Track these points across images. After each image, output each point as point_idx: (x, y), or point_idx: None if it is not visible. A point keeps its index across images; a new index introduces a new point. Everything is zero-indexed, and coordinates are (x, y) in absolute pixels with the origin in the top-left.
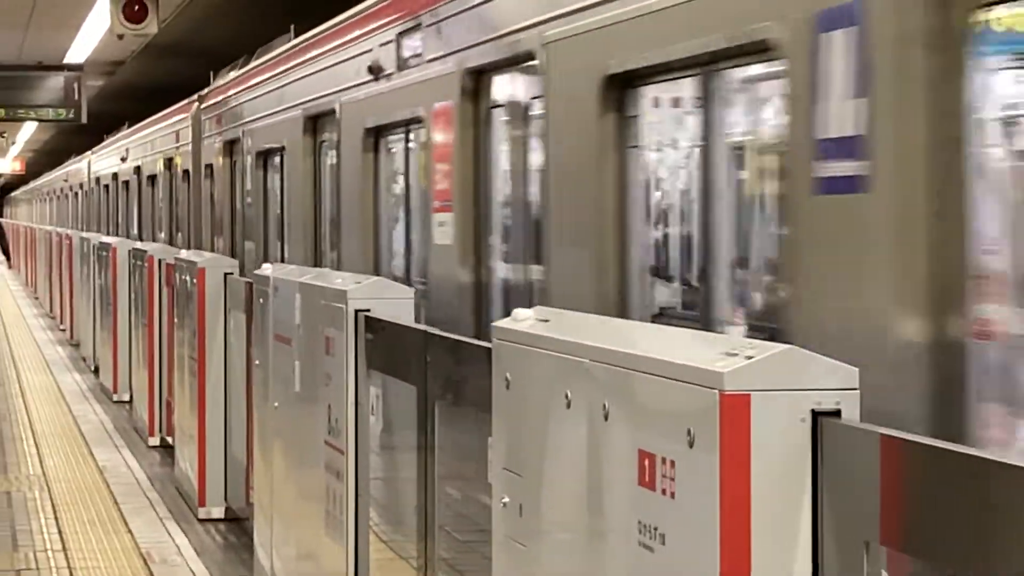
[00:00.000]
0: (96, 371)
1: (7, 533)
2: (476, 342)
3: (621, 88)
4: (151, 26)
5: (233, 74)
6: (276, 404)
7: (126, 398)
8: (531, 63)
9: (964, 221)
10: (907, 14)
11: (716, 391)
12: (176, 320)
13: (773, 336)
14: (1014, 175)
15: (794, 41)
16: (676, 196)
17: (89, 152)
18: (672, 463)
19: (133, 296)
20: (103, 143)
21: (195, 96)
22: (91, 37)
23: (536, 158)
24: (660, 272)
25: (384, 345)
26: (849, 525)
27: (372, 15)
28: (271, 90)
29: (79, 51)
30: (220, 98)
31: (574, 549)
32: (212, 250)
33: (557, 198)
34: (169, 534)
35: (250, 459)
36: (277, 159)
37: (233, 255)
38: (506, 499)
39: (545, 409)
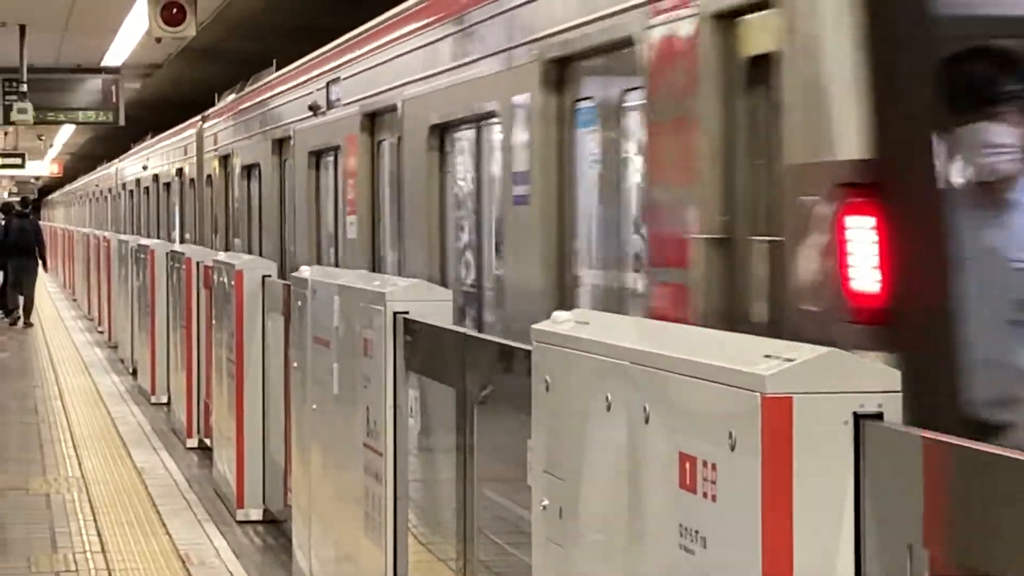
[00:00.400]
0: (134, 373)
1: (46, 535)
2: (516, 344)
3: (440, 133)
4: (189, 29)
5: (228, 100)
6: (314, 406)
7: (164, 400)
8: (396, 112)
9: (575, 225)
10: (547, 102)
11: (758, 394)
12: (214, 322)
13: (481, 288)
14: (603, 196)
15: (503, 113)
16: (463, 205)
17: (117, 159)
18: (713, 466)
19: (171, 298)
20: (129, 151)
21: (199, 116)
22: (129, 40)
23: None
24: (456, 253)
25: (422, 347)
26: (892, 528)
27: (311, 67)
28: (250, 117)
29: (117, 54)
30: (217, 120)
31: (614, 552)
32: (210, 246)
33: (408, 205)
34: (207, 536)
35: (288, 461)
36: (256, 173)
37: (227, 249)
38: (546, 502)
39: (585, 412)
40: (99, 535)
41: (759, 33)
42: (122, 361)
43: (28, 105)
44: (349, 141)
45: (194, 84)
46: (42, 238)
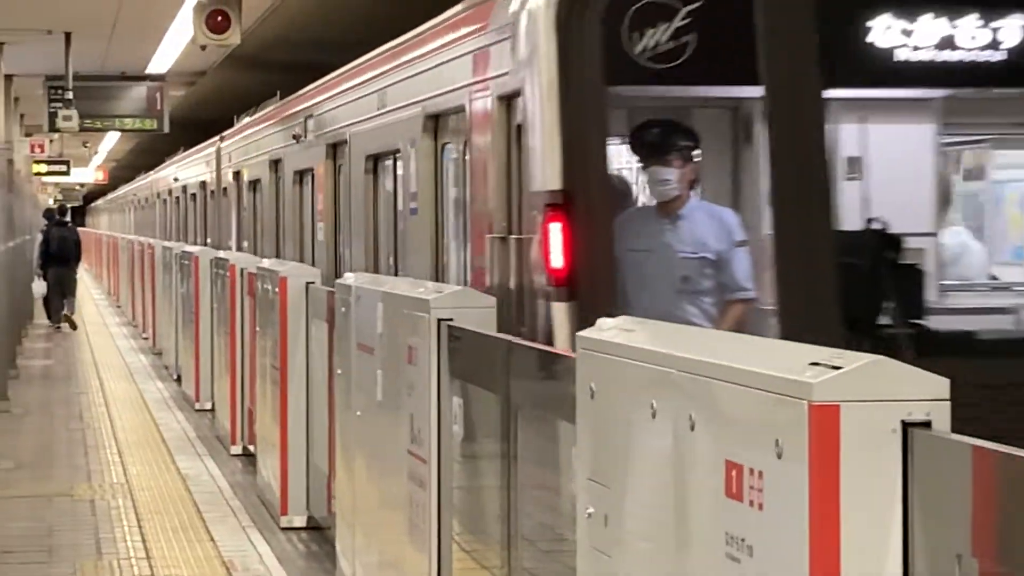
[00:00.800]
0: (178, 379)
1: (91, 541)
2: (560, 351)
3: (373, 161)
4: (233, 37)
5: (242, 123)
6: (358, 413)
7: (208, 407)
8: (347, 144)
9: (443, 228)
10: (426, 144)
11: (805, 402)
12: (258, 329)
13: (396, 266)
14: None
15: (404, 149)
16: (385, 213)
17: (152, 171)
18: (760, 474)
19: (215, 305)
20: (161, 164)
21: (218, 136)
22: (173, 48)
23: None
24: (382, 245)
25: (466, 354)
26: (940, 538)
27: (294, 103)
28: (253, 141)
29: (161, 62)
30: (231, 140)
31: (660, 560)
32: (222, 248)
33: (354, 215)
34: (251, 543)
35: (332, 468)
36: (259, 187)
37: (239, 250)
38: (591, 510)
39: (630, 419)
40: (144, 541)
41: (517, 110)
42: (166, 367)
43: (73, 112)
44: (319, 165)
45: (237, 92)
46: (80, 245)
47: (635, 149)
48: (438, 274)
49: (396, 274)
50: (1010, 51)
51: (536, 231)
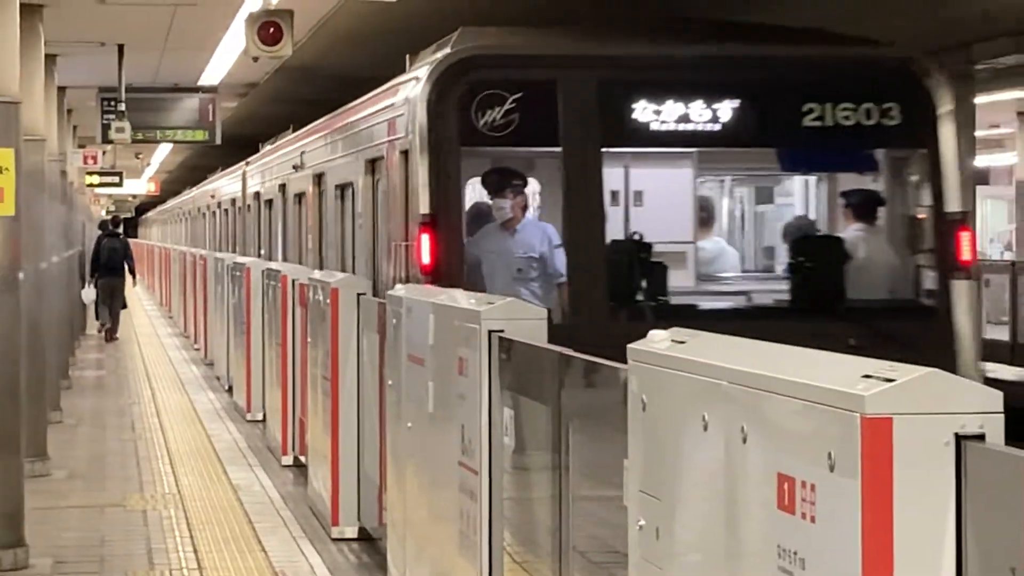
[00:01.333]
0: (230, 390)
1: (143, 551)
2: (611, 363)
3: (341, 190)
4: (286, 48)
5: (264, 150)
6: (409, 424)
7: (259, 417)
8: (324, 176)
9: (377, 238)
10: (367, 180)
11: (857, 414)
12: (309, 340)
13: (353, 265)
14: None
15: (355, 182)
16: (347, 227)
17: (196, 186)
18: (812, 487)
19: (266, 316)
20: (202, 181)
21: (244, 161)
22: (226, 59)
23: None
24: (347, 250)
25: (517, 365)
26: (994, 551)
27: (296, 140)
28: (267, 168)
29: (214, 73)
30: (252, 166)
31: (712, 572)
32: (244, 255)
33: (330, 227)
34: (303, 553)
35: (383, 479)
36: (271, 205)
37: (259, 256)
38: (642, 522)
39: (682, 431)
40: (195, 552)
41: (408, 161)
42: (218, 378)
43: (126, 124)
44: (309, 190)
45: (288, 103)
46: (131, 255)
47: (485, 187)
48: (374, 267)
49: (353, 269)
50: (725, 125)
51: (414, 239)
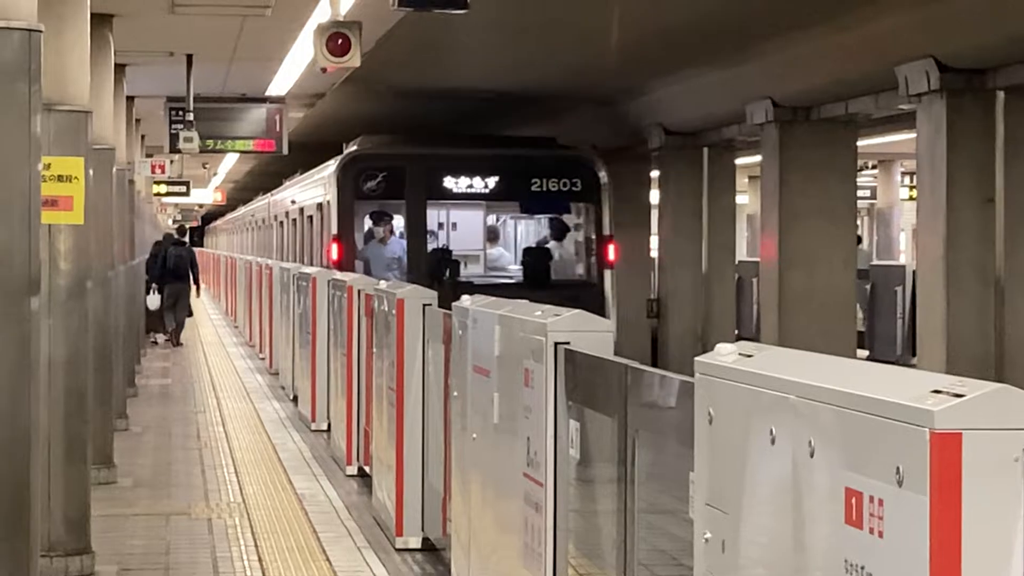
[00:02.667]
0: (295, 400)
1: (208, 559)
2: (678, 376)
3: (309, 219)
4: (354, 59)
5: (282, 186)
6: (474, 435)
7: (324, 427)
8: (302, 208)
9: (320, 246)
10: (318, 215)
11: (926, 429)
12: (374, 350)
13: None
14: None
15: (315, 216)
16: (307, 240)
17: (245, 205)
18: (880, 501)
19: (331, 325)
20: (256, 198)
21: (269, 192)
22: (293, 70)
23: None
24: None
25: (583, 377)
26: None
27: (294, 184)
28: (280, 199)
29: (281, 83)
30: (274, 196)
31: None
32: (267, 259)
33: (304, 241)
34: (367, 563)
35: (447, 489)
36: (284, 225)
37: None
38: (708, 535)
39: (749, 444)
40: (260, 560)
41: (329, 207)
42: (283, 388)
43: (194, 134)
44: (295, 216)
45: (355, 113)
46: (196, 263)
47: (371, 221)
48: (312, 258)
49: (304, 260)
50: (494, 189)
51: (331, 245)
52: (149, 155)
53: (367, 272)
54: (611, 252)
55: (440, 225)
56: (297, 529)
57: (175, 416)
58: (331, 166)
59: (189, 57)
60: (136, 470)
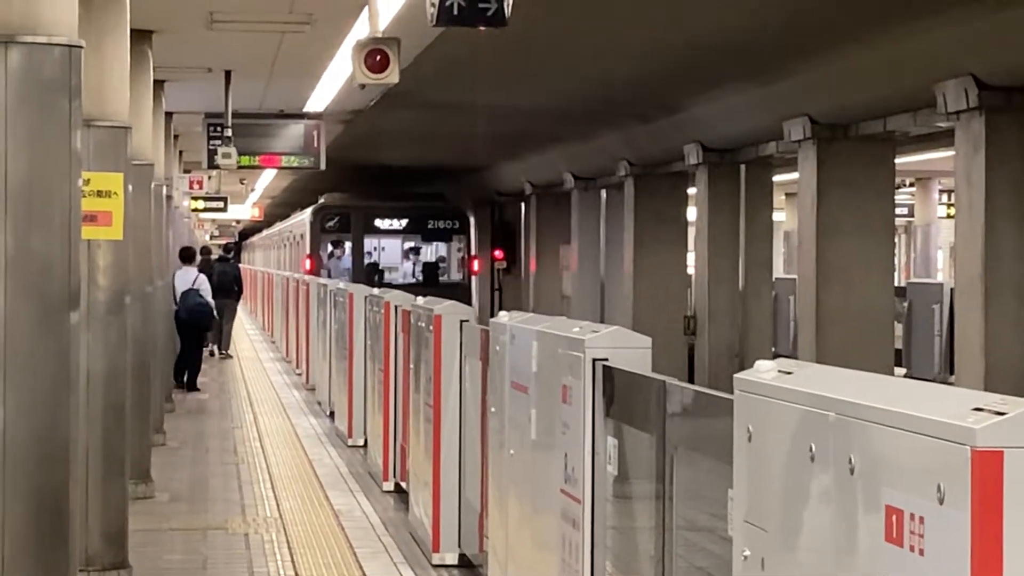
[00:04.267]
0: (331, 415)
1: (245, 574)
2: (717, 393)
3: (292, 245)
4: (392, 76)
5: (282, 223)
6: (511, 451)
7: (361, 443)
8: (292, 236)
9: (297, 258)
10: (302, 243)
11: (968, 447)
12: (411, 366)
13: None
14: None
15: (299, 242)
16: (291, 259)
17: (283, 221)
18: (921, 519)
19: (368, 341)
20: (293, 215)
21: (274, 227)
22: (331, 86)
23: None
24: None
25: (621, 394)
26: None
27: (292, 217)
28: (284, 228)
29: (319, 99)
30: (276, 228)
31: None
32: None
33: (288, 259)
34: None
35: (484, 505)
36: (282, 250)
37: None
38: (747, 552)
39: (788, 462)
40: None
41: (306, 236)
42: (319, 403)
43: (232, 150)
44: (287, 243)
45: (393, 130)
46: (240, 278)
47: (332, 246)
48: (292, 268)
49: (296, 269)
50: (408, 226)
51: (302, 260)
52: (187, 171)
53: (329, 276)
54: (475, 265)
55: (374, 248)
56: (334, 544)
57: (212, 431)
58: (308, 212)
59: (228, 73)
60: (173, 485)
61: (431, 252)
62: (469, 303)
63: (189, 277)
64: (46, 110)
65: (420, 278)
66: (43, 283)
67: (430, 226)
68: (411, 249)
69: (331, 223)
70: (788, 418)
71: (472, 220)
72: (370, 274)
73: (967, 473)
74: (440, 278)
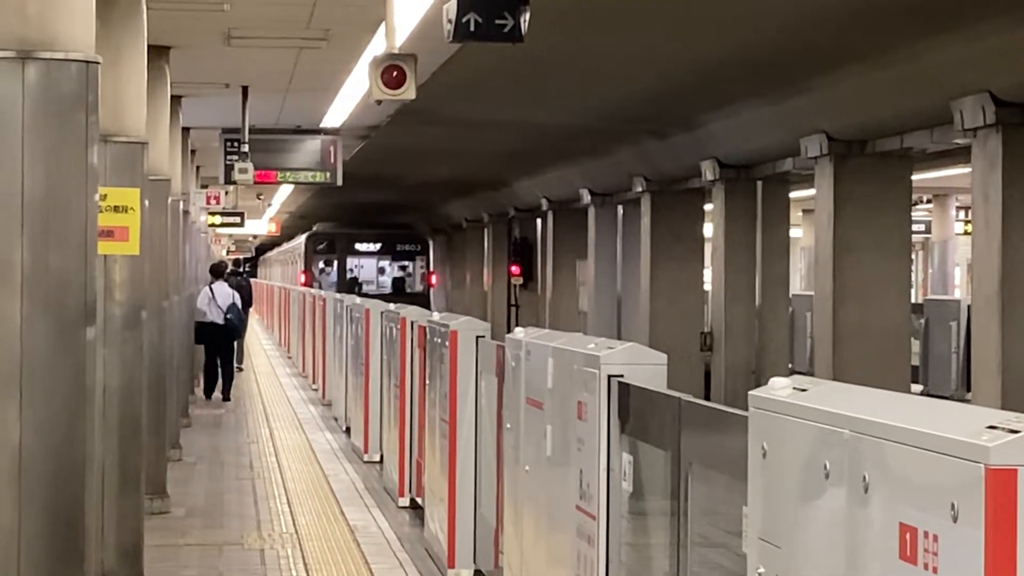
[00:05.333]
0: (347, 431)
1: None
2: (732, 410)
3: (291, 263)
4: (409, 92)
5: (289, 243)
6: (527, 467)
7: (376, 458)
8: (293, 255)
9: (295, 273)
10: (298, 263)
11: (982, 465)
12: (427, 381)
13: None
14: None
15: (297, 259)
16: (291, 274)
17: (287, 242)
18: (935, 537)
19: (384, 357)
20: (293, 239)
21: (278, 248)
22: (348, 102)
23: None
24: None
25: (637, 410)
26: None
27: (295, 239)
28: (289, 247)
29: (336, 115)
30: (282, 248)
31: None
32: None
33: (290, 275)
34: None
35: (499, 521)
36: (286, 266)
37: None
38: (762, 569)
39: (803, 479)
40: None
41: (300, 255)
42: (335, 419)
43: (249, 165)
44: (289, 261)
45: (409, 145)
46: (251, 293)
47: (323, 264)
48: (290, 281)
49: (293, 282)
50: (382, 248)
51: (299, 274)
52: (204, 186)
53: (320, 287)
54: (433, 279)
55: (355, 266)
56: (349, 560)
57: (228, 446)
58: (303, 237)
59: (245, 89)
60: (189, 500)
61: (399, 269)
62: (428, 308)
63: (227, 291)
64: (63, 126)
65: (391, 289)
66: (60, 298)
67: (398, 249)
68: (383, 267)
69: (321, 246)
70: (803, 435)
71: (431, 244)
72: (351, 286)
73: (981, 491)
74: (406, 289)
